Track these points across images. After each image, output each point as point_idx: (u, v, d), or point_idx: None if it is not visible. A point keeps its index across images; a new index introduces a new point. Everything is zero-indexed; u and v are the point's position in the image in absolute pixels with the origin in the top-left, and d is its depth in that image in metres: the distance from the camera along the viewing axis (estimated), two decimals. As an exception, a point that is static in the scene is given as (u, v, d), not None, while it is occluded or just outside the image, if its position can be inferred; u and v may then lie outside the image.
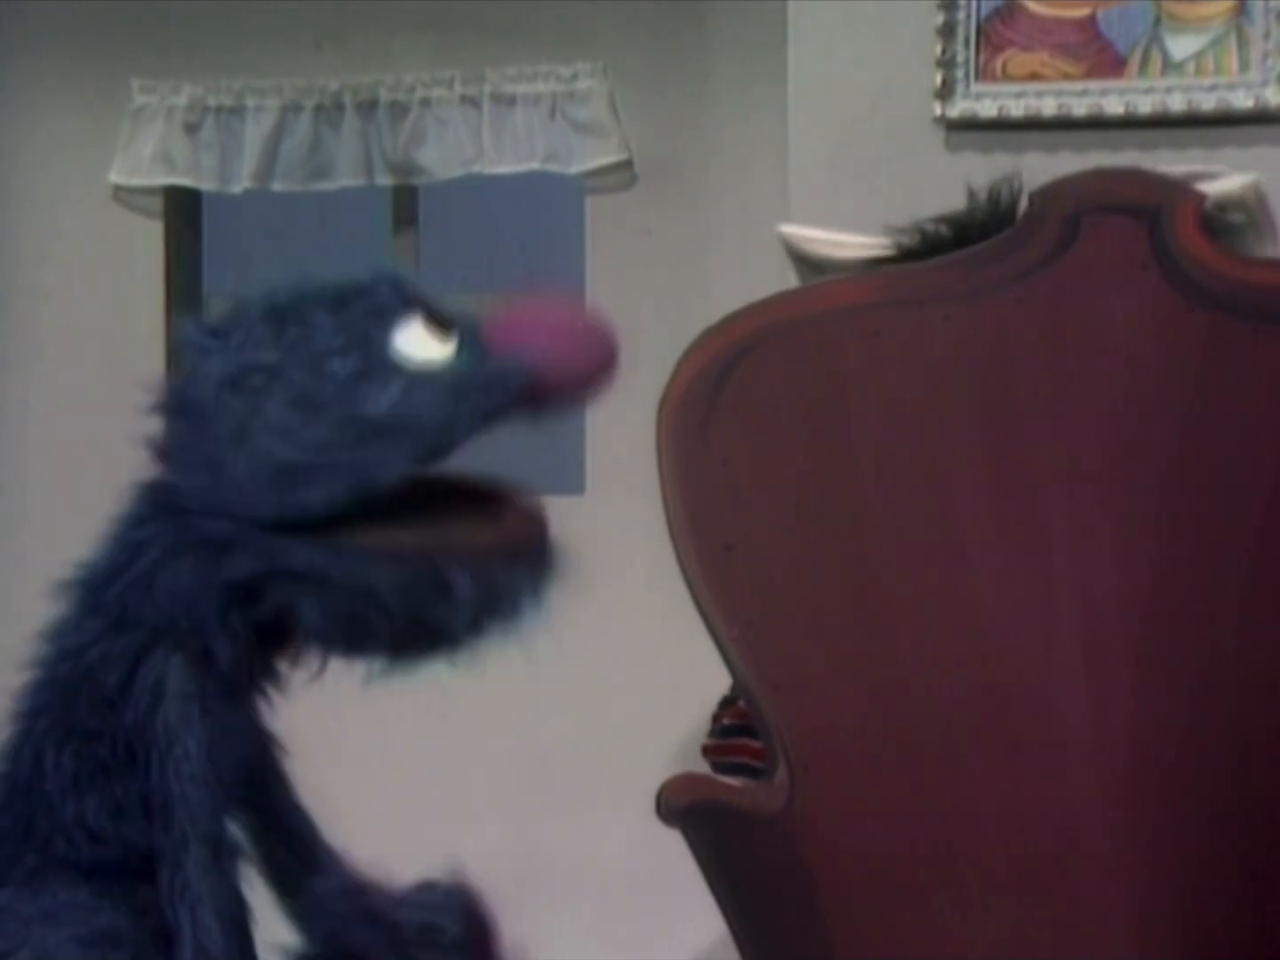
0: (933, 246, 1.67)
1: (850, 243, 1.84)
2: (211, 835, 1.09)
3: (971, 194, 1.72)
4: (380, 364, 1.08)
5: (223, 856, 1.10)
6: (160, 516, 1.14)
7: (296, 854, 1.23)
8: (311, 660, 1.14)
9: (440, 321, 1.10)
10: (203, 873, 1.07)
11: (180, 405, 1.14)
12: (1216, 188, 1.61)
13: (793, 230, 1.97)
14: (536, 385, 1.08)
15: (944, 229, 1.71)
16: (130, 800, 1.10)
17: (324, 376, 1.08)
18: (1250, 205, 1.72)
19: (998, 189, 1.70)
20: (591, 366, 1.11)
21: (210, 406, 1.11)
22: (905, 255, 1.70)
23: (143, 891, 1.09)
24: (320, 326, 1.11)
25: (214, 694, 1.11)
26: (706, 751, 1.86)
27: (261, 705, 1.17)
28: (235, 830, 1.13)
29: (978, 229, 1.66)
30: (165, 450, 1.16)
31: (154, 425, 1.18)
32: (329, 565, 1.07)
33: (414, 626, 1.09)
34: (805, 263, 1.95)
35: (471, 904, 1.26)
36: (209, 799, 1.09)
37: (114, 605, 1.14)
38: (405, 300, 1.11)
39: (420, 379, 1.08)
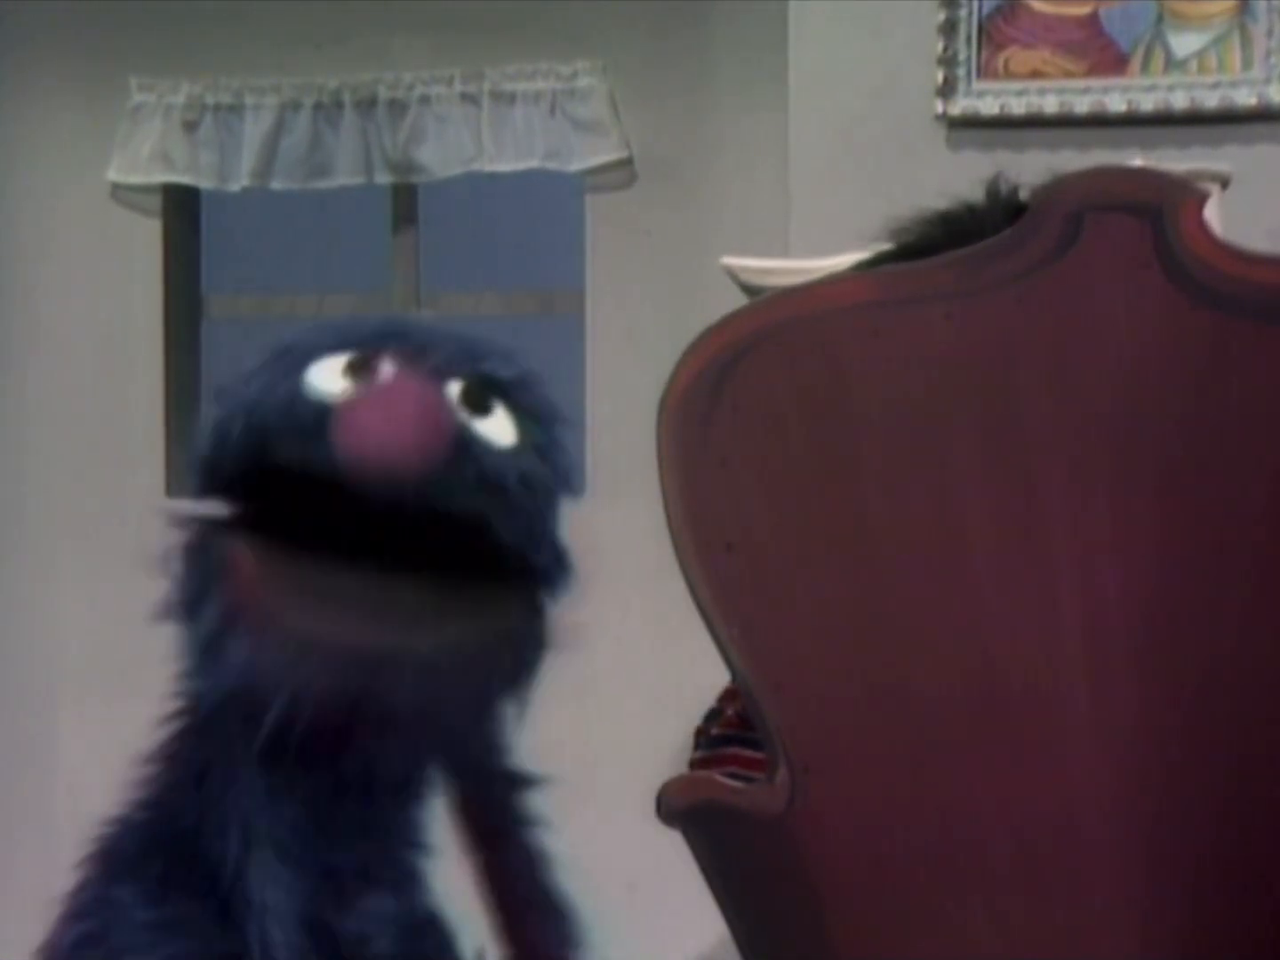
0: (908, 255, 1.68)
1: (779, 269, 1.84)
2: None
3: (961, 197, 1.72)
4: (274, 370, 1.10)
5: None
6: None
7: (514, 898, 1.23)
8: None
9: (358, 367, 1.09)
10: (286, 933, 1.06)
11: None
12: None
13: (732, 261, 1.98)
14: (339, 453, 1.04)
15: (926, 232, 1.71)
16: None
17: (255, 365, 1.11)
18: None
19: (992, 188, 1.70)
20: (389, 451, 1.05)
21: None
22: (961, 233, 1.70)
23: None
24: (311, 334, 1.12)
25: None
26: (694, 765, 1.85)
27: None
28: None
29: (961, 232, 1.66)
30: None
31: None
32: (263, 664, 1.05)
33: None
34: (749, 292, 1.96)
35: None
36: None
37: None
38: (372, 354, 1.10)
39: (271, 395, 1.08)
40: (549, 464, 1.14)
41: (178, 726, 1.15)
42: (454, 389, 1.10)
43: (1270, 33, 2.38)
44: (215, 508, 1.09)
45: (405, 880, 1.17)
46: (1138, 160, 1.89)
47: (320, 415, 1.06)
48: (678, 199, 3.12)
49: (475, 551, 1.08)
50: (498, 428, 1.11)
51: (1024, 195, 1.71)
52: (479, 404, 1.11)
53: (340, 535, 1.05)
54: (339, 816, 1.12)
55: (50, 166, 3.39)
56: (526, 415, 1.13)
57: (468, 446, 1.08)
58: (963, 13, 2.47)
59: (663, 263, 3.13)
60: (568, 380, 3.28)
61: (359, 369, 1.08)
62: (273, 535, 1.06)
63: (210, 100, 3.27)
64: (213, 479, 1.09)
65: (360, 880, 1.12)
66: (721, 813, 1.54)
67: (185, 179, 3.31)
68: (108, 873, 1.12)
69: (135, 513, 2.92)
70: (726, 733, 1.84)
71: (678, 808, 1.54)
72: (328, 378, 1.08)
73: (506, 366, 1.15)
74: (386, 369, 1.08)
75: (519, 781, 1.25)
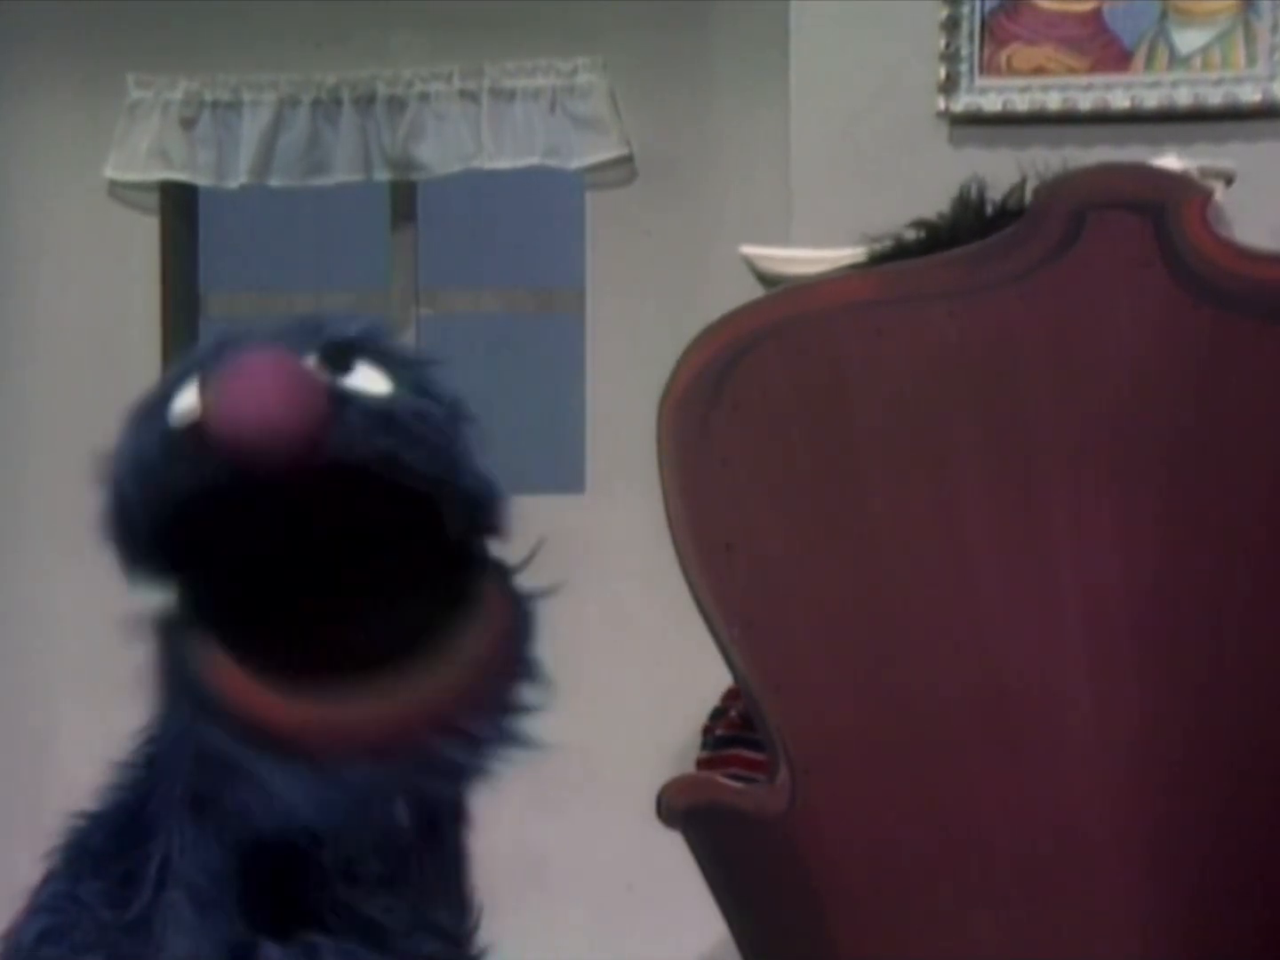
0: (905, 253, 1.68)
1: (803, 259, 1.84)
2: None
3: (957, 197, 1.72)
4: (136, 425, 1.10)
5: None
6: None
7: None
8: None
9: (205, 382, 1.06)
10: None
11: None
12: None
13: (752, 250, 1.97)
14: (210, 442, 1.02)
15: (921, 234, 1.71)
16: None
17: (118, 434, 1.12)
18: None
19: (967, 191, 1.70)
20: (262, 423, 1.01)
21: None
22: (936, 242, 1.70)
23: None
24: (160, 383, 1.12)
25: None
26: (700, 766, 1.85)
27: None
28: None
29: (951, 232, 1.66)
30: None
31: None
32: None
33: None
34: (765, 281, 1.95)
35: None
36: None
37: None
38: (214, 365, 1.07)
39: (138, 443, 1.08)
40: (433, 399, 1.09)
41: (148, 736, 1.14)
42: (310, 361, 1.06)
43: (1274, 29, 2.38)
44: (155, 596, 1.07)
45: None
46: (1172, 158, 1.88)
47: (189, 433, 1.04)
48: (679, 196, 3.11)
49: (401, 501, 1.06)
50: (367, 379, 1.07)
51: (997, 198, 1.73)
52: (340, 365, 1.07)
53: (272, 539, 1.03)
54: (266, 874, 1.09)
55: (47, 164, 3.38)
56: (392, 363, 1.09)
57: (346, 399, 1.04)
58: (965, 9, 2.46)
59: (663, 260, 3.12)
60: (567, 378, 3.27)
61: (207, 383, 1.04)
62: (217, 594, 1.04)
63: (208, 97, 3.26)
64: (133, 551, 1.07)
65: (274, 939, 1.09)
66: (722, 813, 1.53)
67: (183, 176, 3.30)
68: (74, 869, 1.11)
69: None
70: (730, 733, 1.84)
71: (678, 808, 1.54)
72: (184, 407, 1.06)
73: (351, 326, 1.11)
74: (228, 362, 1.05)
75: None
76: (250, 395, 1.00)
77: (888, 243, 1.74)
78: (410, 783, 1.06)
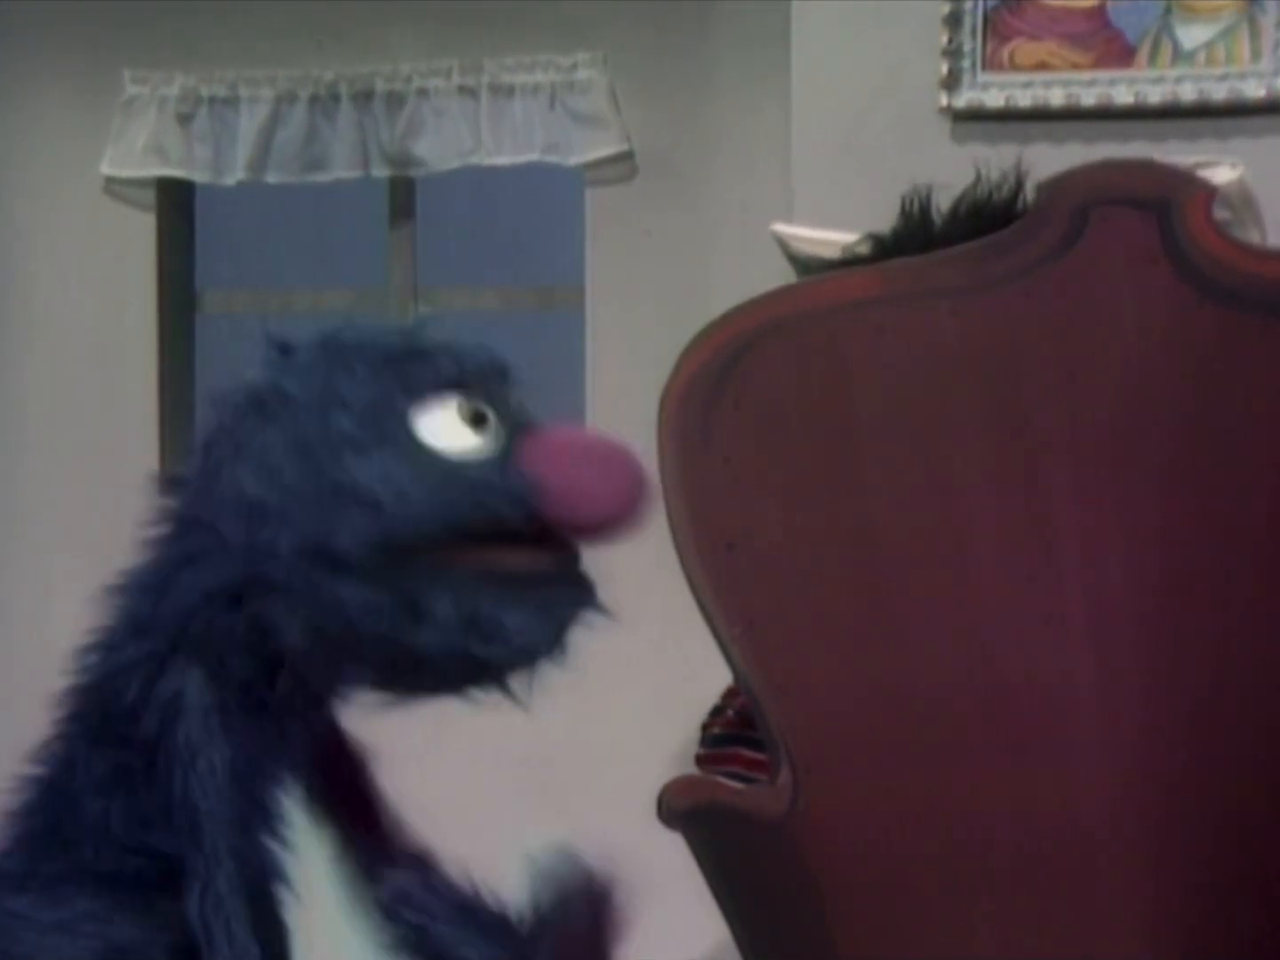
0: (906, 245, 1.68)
1: (839, 241, 1.83)
2: (240, 850, 1.06)
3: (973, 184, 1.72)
4: (380, 433, 1.06)
5: (254, 872, 1.07)
6: (178, 525, 1.12)
7: (374, 854, 1.19)
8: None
9: (476, 414, 1.08)
10: (232, 889, 1.05)
11: (218, 407, 1.13)
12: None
13: (784, 229, 1.96)
14: (543, 512, 1.05)
15: (867, 248, 1.72)
16: (155, 811, 1.08)
17: (325, 426, 1.06)
18: (1234, 201, 1.71)
19: (909, 203, 1.71)
20: (612, 508, 1.08)
21: (230, 417, 1.10)
22: (883, 254, 1.71)
23: (163, 905, 1.07)
24: (355, 376, 1.08)
25: (238, 709, 1.08)
26: (700, 761, 1.85)
27: (316, 717, 1.13)
28: (273, 845, 1.09)
29: (896, 244, 1.67)
30: (192, 449, 1.15)
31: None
32: (296, 578, 1.04)
33: (391, 650, 1.06)
34: (796, 262, 1.95)
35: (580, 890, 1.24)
36: (236, 815, 1.06)
37: (135, 613, 1.12)
38: (456, 378, 1.09)
39: (414, 461, 1.05)
40: None
41: (58, 729, 1.15)
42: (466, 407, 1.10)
43: (1279, 24, 2.37)
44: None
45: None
46: (1225, 169, 1.87)
47: (492, 468, 1.05)
48: (679, 193, 3.10)
49: None
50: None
51: (992, 196, 1.73)
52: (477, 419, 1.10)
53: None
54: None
55: (43, 160, 3.37)
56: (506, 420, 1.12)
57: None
58: (967, 4, 2.46)
59: (664, 257, 3.11)
60: (567, 377, 3.26)
61: (480, 420, 1.07)
62: None
63: (205, 93, 3.25)
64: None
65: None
66: (723, 814, 1.53)
67: (179, 172, 3.29)
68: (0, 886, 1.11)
69: (129, 506, 2.90)
70: (728, 732, 1.83)
71: (679, 809, 1.54)
72: (449, 433, 1.07)
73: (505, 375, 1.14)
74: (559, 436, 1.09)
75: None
76: (603, 482, 1.07)
77: (846, 254, 1.74)
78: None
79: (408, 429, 1.06)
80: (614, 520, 1.07)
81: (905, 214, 1.73)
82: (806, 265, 1.89)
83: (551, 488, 1.05)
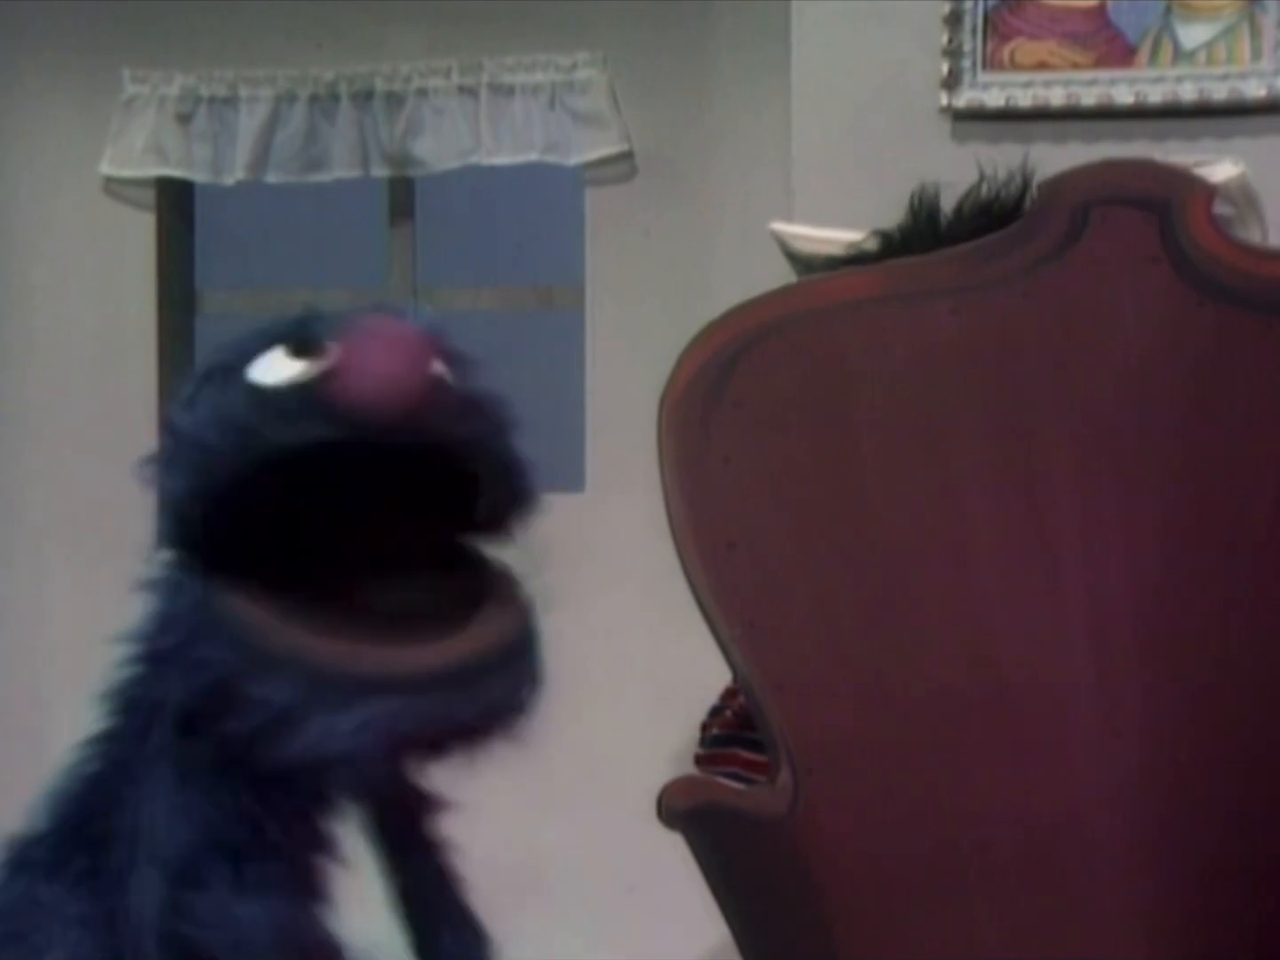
0: (863, 261, 1.68)
1: (840, 240, 1.83)
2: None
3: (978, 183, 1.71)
4: (210, 390, 1.08)
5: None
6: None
7: (429, 915, 1.22)
8: None
9: (301, 345, 1.07)
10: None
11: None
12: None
13: (782, 227, 1.96)
14: (334, 402, 1.04)
15: (876, 244, 1.71)
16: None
17: (184, 396, 1.10)
18: (1236, 197, 1.71)
19: (915, 201, 1.71)
20: (390, 385, 1.05)
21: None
22: (891, 251, 1.71)
23: None
24: (228, 351, 1.11)
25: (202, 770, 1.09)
26: (699, 762, 1.85)
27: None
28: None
29: (904, 241, 1.67)
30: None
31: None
32: (236, 672, 1.04)
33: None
34: (796, 260, 1.94)
35: None
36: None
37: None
38: (312, 334, 1.08)
39: (231, 400, 1.07)
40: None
41: (109, 725, 1.15)
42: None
43: (1279, 24, 2.37)
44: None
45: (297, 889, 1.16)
46: (1227, 164, 1.86)
47: (296, 391, 1.05)
48: (679, 193, 3.10)
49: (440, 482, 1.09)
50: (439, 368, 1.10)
51: (991, 196, 1.73)
52: None
53: (324, 503, 1.05)
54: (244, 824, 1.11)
55: (42, 160, 3.37)
56: (452, 358, 1.12)
57: (445, 381, 1.09)
58: (968, 4, 2.46)
59: (664, 257, 3.11)
60: (567, 376, 3.26)
61: (305, 350, 1.07)
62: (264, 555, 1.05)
63: (204, 92, 3.25)
64: (207, 507, 1.07)
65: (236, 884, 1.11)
66: (723, 815, 1.53)
67: (179, 172, 3.29)
68: (30, 872, 1.12)
69: (129, 507, 2.90)
70: (727, 732, 1.83)
71: (679, 809, 1.53)
72: (274, 368, 1.07)
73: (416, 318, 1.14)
74: (356, 327, 1.07)
75: (432, 802, 1.25)
76: (387, 356, 1.04)
77: (853, 251, 1.74)
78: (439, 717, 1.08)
79: (239, 380, 1.08)
80: (392, 396, 1.04)
81: (913, 211, 1.73)
82: (808, 263, 1.88)
83: (339, 374, 1.04)
